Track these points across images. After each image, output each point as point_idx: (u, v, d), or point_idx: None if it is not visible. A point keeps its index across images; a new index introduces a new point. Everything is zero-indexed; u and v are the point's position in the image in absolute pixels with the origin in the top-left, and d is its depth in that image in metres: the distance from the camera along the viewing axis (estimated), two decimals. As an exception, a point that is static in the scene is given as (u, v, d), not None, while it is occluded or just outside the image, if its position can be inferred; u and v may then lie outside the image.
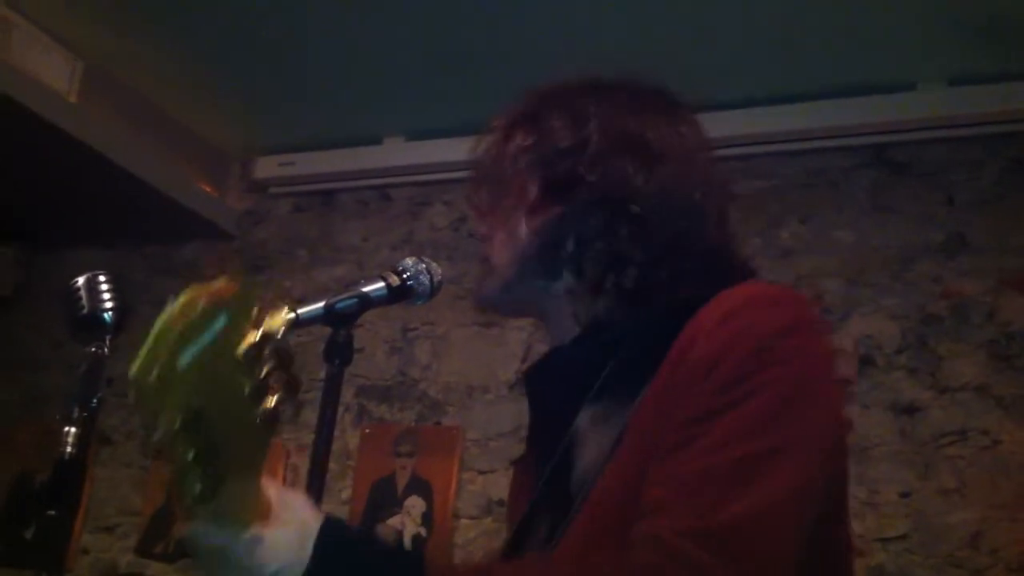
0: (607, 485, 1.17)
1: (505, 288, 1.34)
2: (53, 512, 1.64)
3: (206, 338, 0.82)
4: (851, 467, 3.15)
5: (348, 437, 3.88)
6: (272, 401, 0.86)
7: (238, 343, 0.83)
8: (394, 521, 3.70)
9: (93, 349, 1.67)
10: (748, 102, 3.54)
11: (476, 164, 1.39)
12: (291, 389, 0.87)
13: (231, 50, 3.68)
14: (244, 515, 0.92)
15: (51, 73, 3.71)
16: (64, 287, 1.73)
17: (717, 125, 3.74)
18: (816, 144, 3.55)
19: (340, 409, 4.06)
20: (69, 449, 1.63)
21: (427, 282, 1.48)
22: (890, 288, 3.36)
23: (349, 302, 1.45)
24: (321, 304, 1.44)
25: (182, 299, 0.83)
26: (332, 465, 3.82)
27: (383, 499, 3.75)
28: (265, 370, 0.85)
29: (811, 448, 1.13)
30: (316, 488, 1.43)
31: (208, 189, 4.37)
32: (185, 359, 0.81)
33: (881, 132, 3.45)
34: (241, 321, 0.84)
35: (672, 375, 1.16)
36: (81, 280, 1.69)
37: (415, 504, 3.71)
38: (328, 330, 1.48)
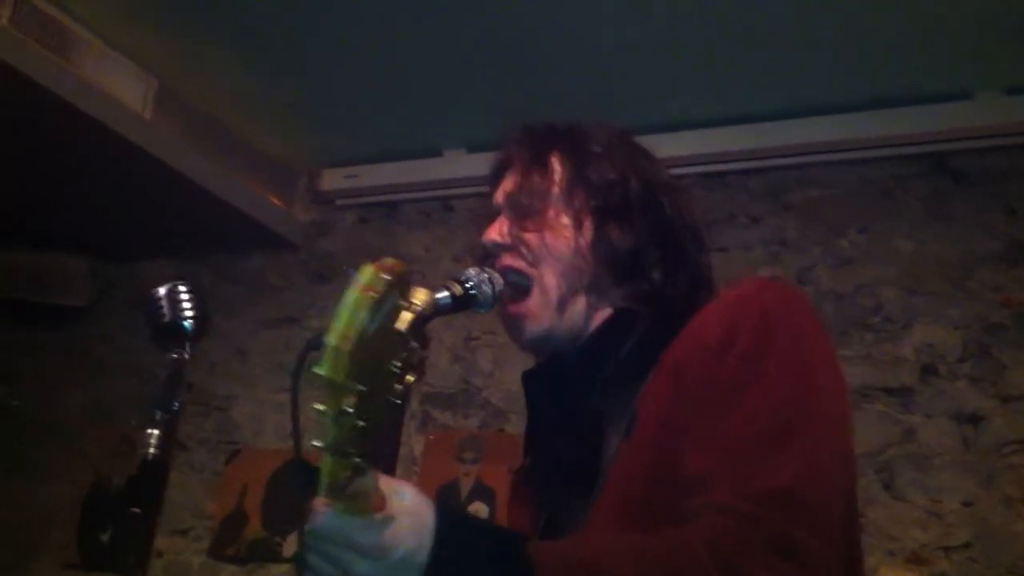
0: (623, 469, 1.25)
1: (560, 305, 1.42)
2: (137, 510, 1.70)
3: (384, 311, 0.86)
4: (914, 475, 3.15)
5: (413, 443, 3.95)
6: (409, 379, 0.91)
7: (398, 319, 0.88)
8: (457, 526, 3.76)
9: (174, 355, 1.73)
10: (805, 111, 3.56)
11: (511, 187, 1.49)
12: (420, 371, 0.92)
13: (297, 67, 3.78)
14: (367, 503, 0.97)
15: (126, 91, 3.83)
16: (145, 296, 1.80)
17: (772, 135, 3.79)
18: (873, 153, 3.55)
19: (405, 416, 4.16)
20: (152, 450, 1.69)
21: (489, 291, 1.52)
22: (951, 297, 3.35)
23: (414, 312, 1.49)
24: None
25: (366, 275, 0.86)
26: (398, 471, 3.90)
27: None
28: (411, 350, 0.90)
29: (835, 407, 1.23)
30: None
31: (275, 201, 4.47)
32: (372, 329, 0.85)
33: (938, 141, 3.44)
34: (404, 299, 0.89)
35: (682, 360, 1.26)
36: (162, 290, 1.76)
37: (478, 510, 3.76)
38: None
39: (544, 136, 1.51)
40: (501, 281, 1.54)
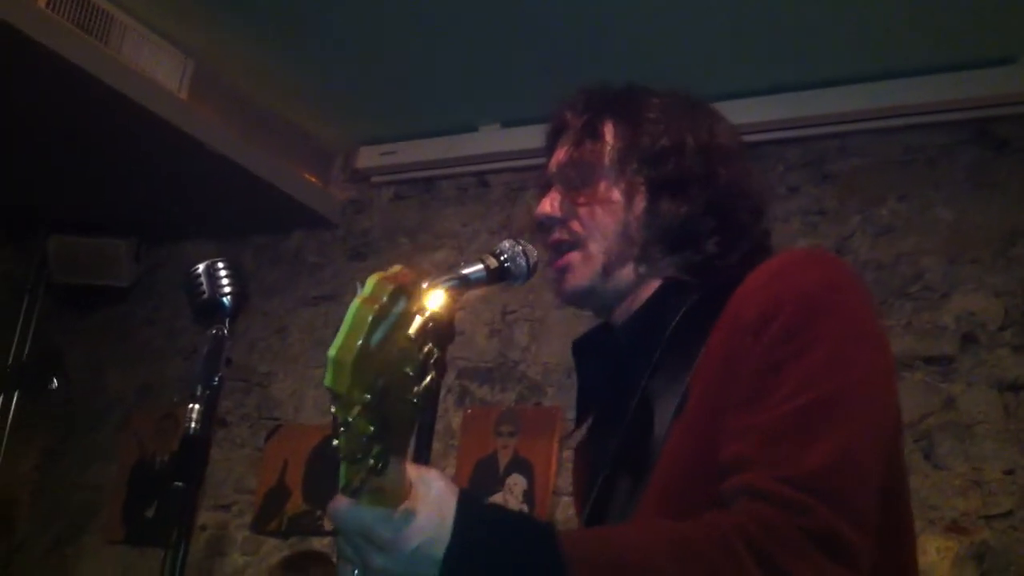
0: (675, 447, 1.23)
1: (605, 271, 1.39)
2: (180, 484, 1.73)
3: (389, 321, 0.87)
4: (954, 443, 3.13)
5: (451, 417, 3.98)
6: (427, 381, 0.91)
7: (411, 324, 0.89)
8: (496, 499, 3.78)
9: (214, 331, 1.76)
10: (844, 80, 3.52)
11: (563, 157, 1.45)
12: (441, 370, 0.93)
13: (332, 46, 3.79)
14: (394, 494, 0.97)
15: (163, 72, 3.86)
16: (184, 274, 1.83)
17: (812, 103, 3.75)
18: (914, 120, 3.51)
19: (443, 390, 4.19)
20: (194, 425, 1.72)
21: (524, 264, 1.52)
22: (992, 265, 3.31)
23: (449, 284, 1.49)
24: (423, 286, 1.49)
25: (371, 285, 0.88)
26: (436, 445, 3.92)
27: (486, 478, 3.84)
28: (426, 350, 0.91)
29: (875, 385, 1.20)
30: (423, 462, 1.48)
31: (312, 180, 4.50)
32: (376, 339, 0.86)
33: (980, 107, 3.39)
34: (414, 304, 0.90)
35: (727, 337, 1.23)
36: (201, 267, 1.79)
37: (517, 482, 3.79)
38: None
39: (598, 102, 1.46)
40: (535, 253, 1.55)
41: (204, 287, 1.77)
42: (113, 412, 4.76)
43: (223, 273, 1.78)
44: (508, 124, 4.08)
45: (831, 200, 3.62)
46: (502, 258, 1.53)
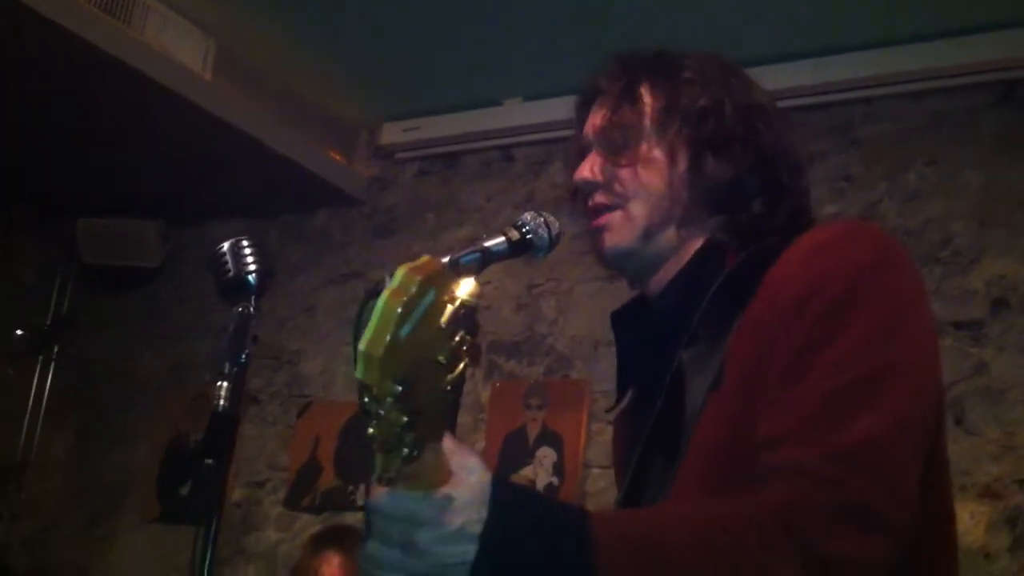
0: (710, 422, 1.21)
1: (646, 234, 1.37)
2: (210, 461, 1.74)
3: (419, 312, 0.88)
4: (986, 408, 3.11)
5: (480, 391, 3.99)
6: (460, 368, 0.93)
7: (441, 313, 0.90)
8: (527, 472, 3.80)
9: (240, 309, 1.77)
10: (868, 44, 3.48)
11: (601, 122, 1.42)
12: (475, 357, 0.94)
13: (352, 22, 3.79)
14: (432, 480, 0.98)
15: (186, 53, 3.87)
16: (209, 253, 1.84)
17: (836, 68, 3.70)
18: (941, 84, 3.47)
19: (464, 388, 4.18)
20: (222, 402, 1.74)
21: (546, 235, 1.51)
22: (1022, 228, 3.28)
23: (472, 257, 1.49)
24: (445, 260, 1.49)
25: (399, 277, 0.88)
26: (466, 419, 3.95)
27: (515, 451, 3.85)
28: (458, 338, 0.92)
29: (918, 366, 1.18)
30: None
31: (337, 157, 4.51)
32: (404, 332, 0.87)
33: (1007, 68, 3.34)
34: (443, 294, 0.90)
35: (767, 310, 1.21)
36: (226, 245, 1.79)
37: (546, 455, 3.80)
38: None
39: (633, 66, 1.43)
40: (557, 224, 1.54)
41: (229, 265, 1.77)
42: (145, 392, 4.80)
43: (248, 251, 1.78)
44: (531, 97, 4.07)
45: (857, 166, 3.59)
46: (524, 230, 1.52)
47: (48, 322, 4.17)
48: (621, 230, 1.39)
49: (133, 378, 4.86)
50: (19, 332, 4.10)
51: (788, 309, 1.19)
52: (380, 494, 0.98)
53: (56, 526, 4.83)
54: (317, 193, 4.49)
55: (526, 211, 1.54)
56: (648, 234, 1.38)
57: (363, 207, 4.55)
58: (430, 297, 0.89)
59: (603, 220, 1.40)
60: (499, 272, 4.01)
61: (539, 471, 3.78)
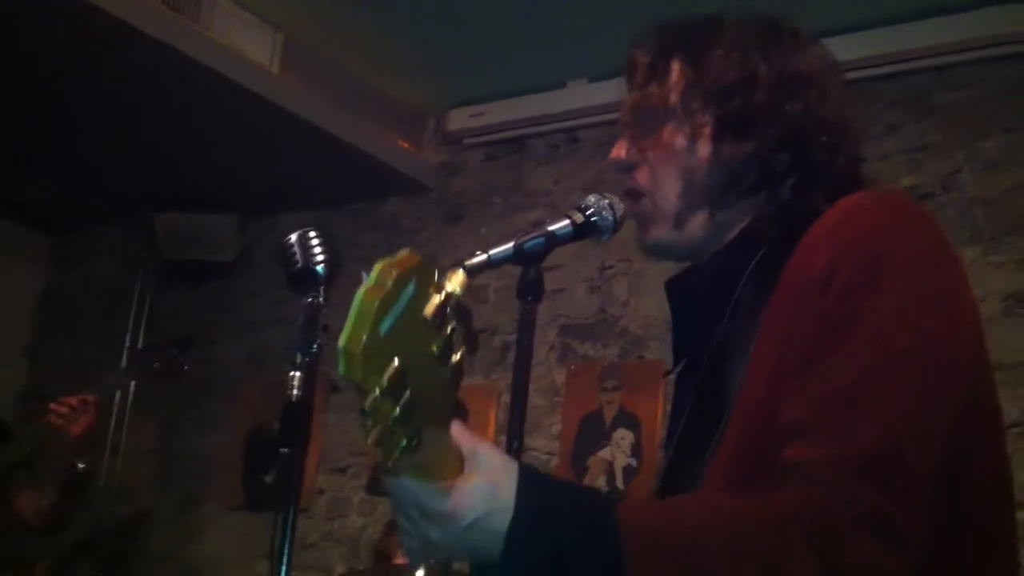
0: (747, 398, 1.19)
1: (677, 221, 1.33)
2: (285, 450, 1.77)
3: (400, 306, 0.87)
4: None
5: (555, 375, 3.99)
6: (457, 357, 0.92)
7: (425, 307, 0.89)
8: (604, 454, 3.80)
9: (309, 300, 1.79)
10: (941, 10, 3.39)
11: (631, 101, 1.38)
12: (472, 345, 0.94)
13: (416, 11, 3.80)
14: (441, 468, 0.98)
15: (253, 47, 3.92)
16: (278, 245, 1.86)
17: (909, 37, 3.61)
18: (1014, 49, 3.36)
19: (545, 348, 4.22)
20: (295, 392, 1.76)
21: (610, 217, 1.51)
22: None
23: (536, 241, 1.49)
24: (510, 245, 1.50)
25: (375, 273, 0.87)
26: (541, 402, 3.96)
27: (592, 433, 3.85)
28: (450, 328, 0.91)
29: (943, 352, 1.11)
30: (519, 418, 1.49)
31: (405, 145, 4.54)
32: (385, 326, 0.86)
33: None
34: (426, 287, 0.90)
35: (794, 288, 1.17)
36: (293, 237, 1.82)
37: (623, 436, 3.79)
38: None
39: (667, 39, 1.37)
40: (622, 206, 1.53)
41: (297, 256, 1.80)
42: (225, 382, 4.89)
43: (315, 242, 1.80)
44: (596, 78, 4.04)
45: (934, 136, 3.50)
46: (588, 212, 1.52)
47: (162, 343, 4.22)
48: (654, 221, 1.35)
49: (213, 368, 4.95)
50: (122, 368, 4.17)
51: (813, 287, 1.13)
52: (391, 483, 0.98)
53: (146, 514, 4.95)
54: (387, 181, 4.52)
55: (592, 193, 1.53)
56: (679, 220, 1.33)
57: (432, 193, 4.57)
58: (409, 290, 0.88)
59: (636, 211, 1.38)
60: (570, 255, 4.00)
61: (616, 453, 3.78)
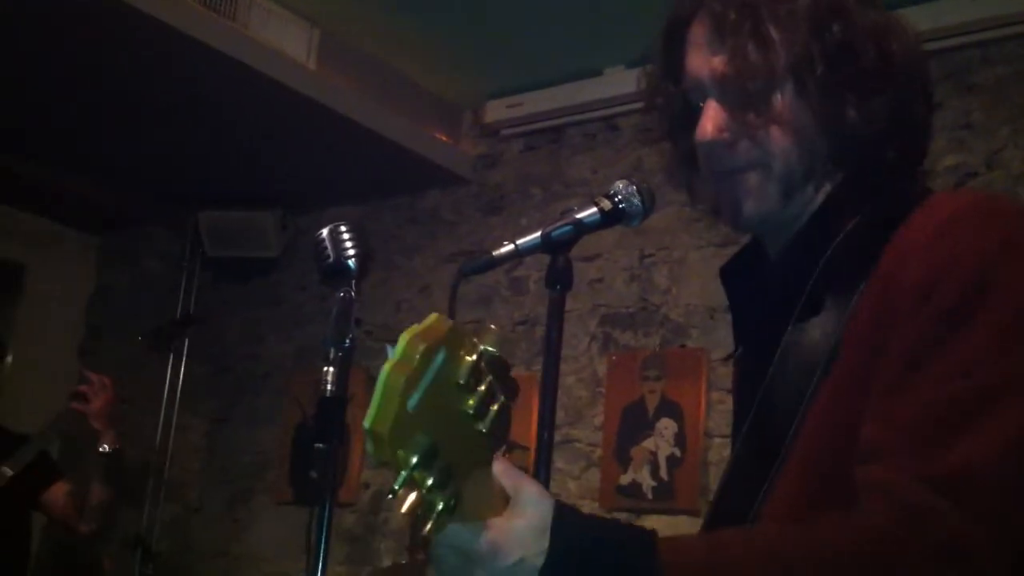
0: (821, 413, 1.12)
1: (786, 196, 1.23)
2: (320, 445, 1.78)
3: (428, 377, 0.85)
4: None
5: (597, 365, 3.98)
6: (496, 407, 0.91)
7: (457, 371, 0.88)
8: (647, 444, 3.78)
9: (342, 294, 1.80)
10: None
11: (723, 69, 1.23)
12: (511, 392, 0.92)
13: (449, 3, 3.79)
14: (483, 512, 0.96)
15: (290, 44, 3.94)
16: (311, 240, 1.87)
17: (950, 12, 3.53)
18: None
19: (586, 339, 4.18)
20: (329, 387, 1.77)
21: (638, 202, 1.49)
22: None
23: (564, 229, 1.48)
24: (538, 234, 1.49)
25: (401, 346, 0.85)
26: (583, 393, 3.95)
27: (635, 423, 3.83)
28: (485, 385, 0.89)
29: None
30: (549, 408, 1.47)
31: (443, 138, 4.54)
32: (413, 402, 0.84)
33: None
34: (457, 350, 0.88)
35: (884, 294, 1.10)
36: (325, 231, 1.83)
37: (667, 426, 3.77)
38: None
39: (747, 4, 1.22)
40: (651, 191, 1.52)
41: (329, 251, 1.80)
42: (272, 377, 4.94)
43: (346, 236, 1.81)
44: (633, 65, 4.01)
45: (977, 113, 3.43)
46: (616, 199, 1.51)
47: (168, 321, 4.28)
48: (762, 193, 1.23)
49: (260, 363, 5.00)
50: (140, 338, 4.24)
51: (907, 296, 1.06)
52: (437, 540, 0.96)
53: (196, 509, 5.02)
54: (426, 174, 4.53)
55: (620, 180, 1.52)
56: (789, 193, 1.22)
57: (471, 186, 4.57)
58: (439, 360, 0.86)
59: (740, 183, 1.24)
60: (610, 244, 3.98)
61: (660, 443, 3.76)
